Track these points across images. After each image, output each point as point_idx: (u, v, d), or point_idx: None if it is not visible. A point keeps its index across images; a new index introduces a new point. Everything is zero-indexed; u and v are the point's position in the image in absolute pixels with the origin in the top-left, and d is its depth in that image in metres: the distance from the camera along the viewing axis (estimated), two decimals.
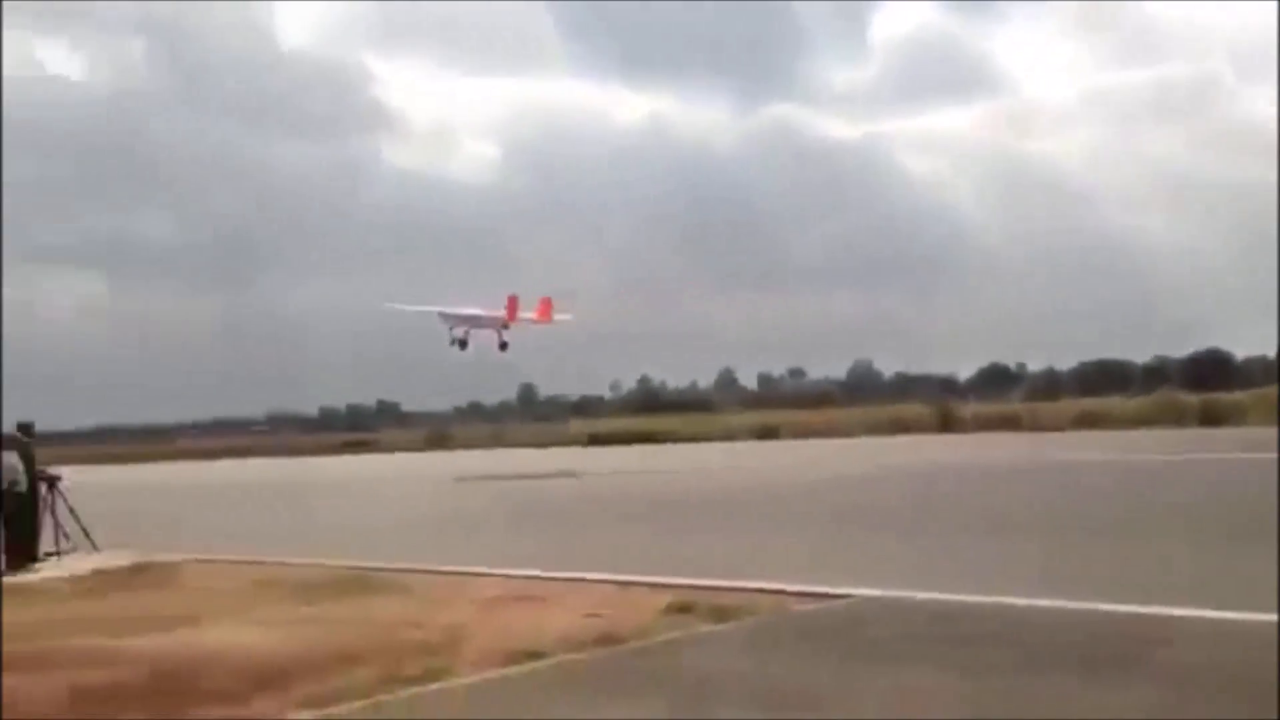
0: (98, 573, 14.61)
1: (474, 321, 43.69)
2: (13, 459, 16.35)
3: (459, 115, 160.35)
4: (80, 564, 15.70)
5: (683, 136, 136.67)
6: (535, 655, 8.57)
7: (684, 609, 10.06)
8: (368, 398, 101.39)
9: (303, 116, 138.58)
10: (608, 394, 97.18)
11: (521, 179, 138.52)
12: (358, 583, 12.62)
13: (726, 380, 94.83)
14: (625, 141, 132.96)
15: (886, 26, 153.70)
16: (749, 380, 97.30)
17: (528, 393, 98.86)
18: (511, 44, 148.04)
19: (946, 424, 62.71)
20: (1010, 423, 60.68)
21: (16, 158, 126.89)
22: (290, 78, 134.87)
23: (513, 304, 43.12)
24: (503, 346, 43.86)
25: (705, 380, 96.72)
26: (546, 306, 43.58)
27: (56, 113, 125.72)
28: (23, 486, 16.27)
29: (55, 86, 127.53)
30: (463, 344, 43.93)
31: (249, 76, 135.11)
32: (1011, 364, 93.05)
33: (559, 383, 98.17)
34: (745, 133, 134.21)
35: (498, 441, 62.01)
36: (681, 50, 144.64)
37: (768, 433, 62.39)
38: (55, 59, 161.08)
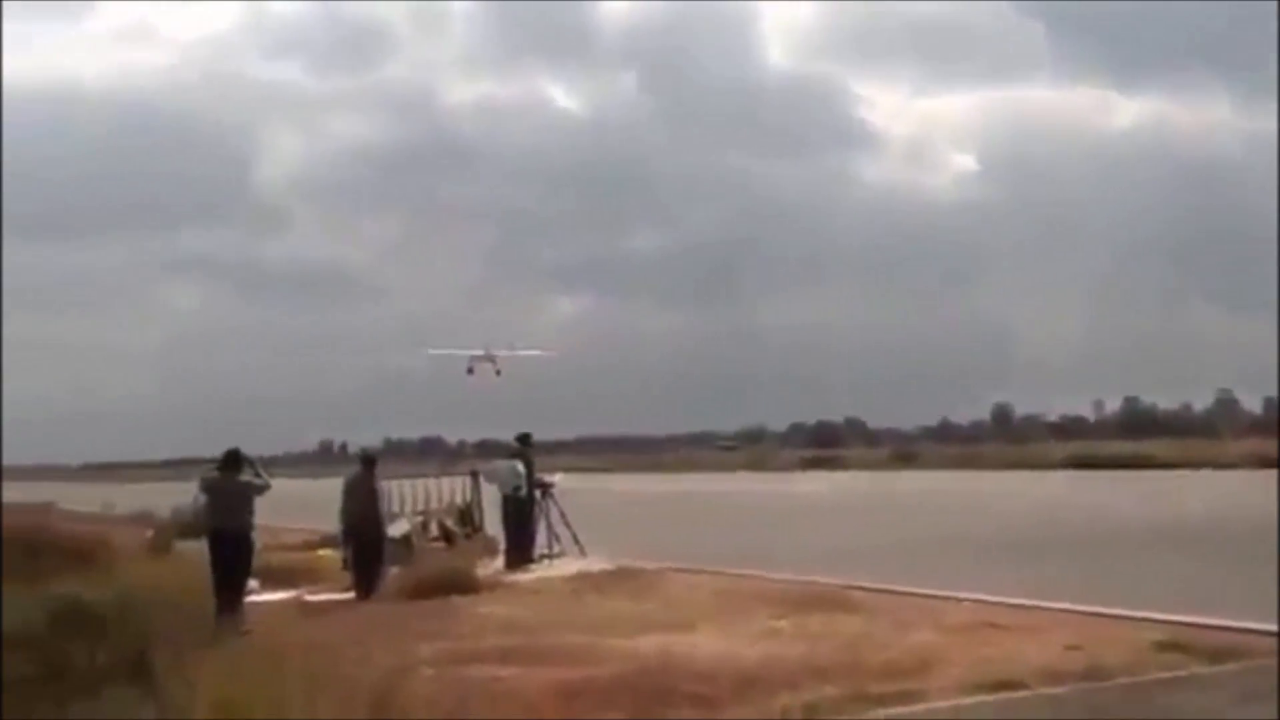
0: (584, 576, 15.52)
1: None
2: (516, 466, 17.77)
3: (937, 128, 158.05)
4: (569, 567, 16.76)
5: (1178, 142, 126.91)
6: (1011, 685, 8.12)
7: (1175, 646, 9.18)
8: (835, 414, 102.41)
9: (785, 135, 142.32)
10: (1090, 414, 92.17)
11: (1001, 191, 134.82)
12: (829, 600, 12.56)
13: (1226, 402, 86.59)
14: (1113, 149, 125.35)
15: None
16: (1252, 404, 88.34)
17: (1002, 412, 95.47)
18: (994, 51, 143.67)
19: None
20: None
21: (523, 186, 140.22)
22: (773, 97, 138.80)
23: None
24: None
25: (1202, 402, 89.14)
26: None
27: (558, 141, 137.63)
28: (524, 492, 17.64)
29: (559, 119, 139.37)
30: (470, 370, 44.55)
31: (734, 98, 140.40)
32: None
33: (1037, 401, 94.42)
34: (1251, 136, 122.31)
35: (968, 463, 60.00)
36: (1180, 50, 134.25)
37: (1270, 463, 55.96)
38: (558, 94, 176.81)
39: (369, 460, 16.41)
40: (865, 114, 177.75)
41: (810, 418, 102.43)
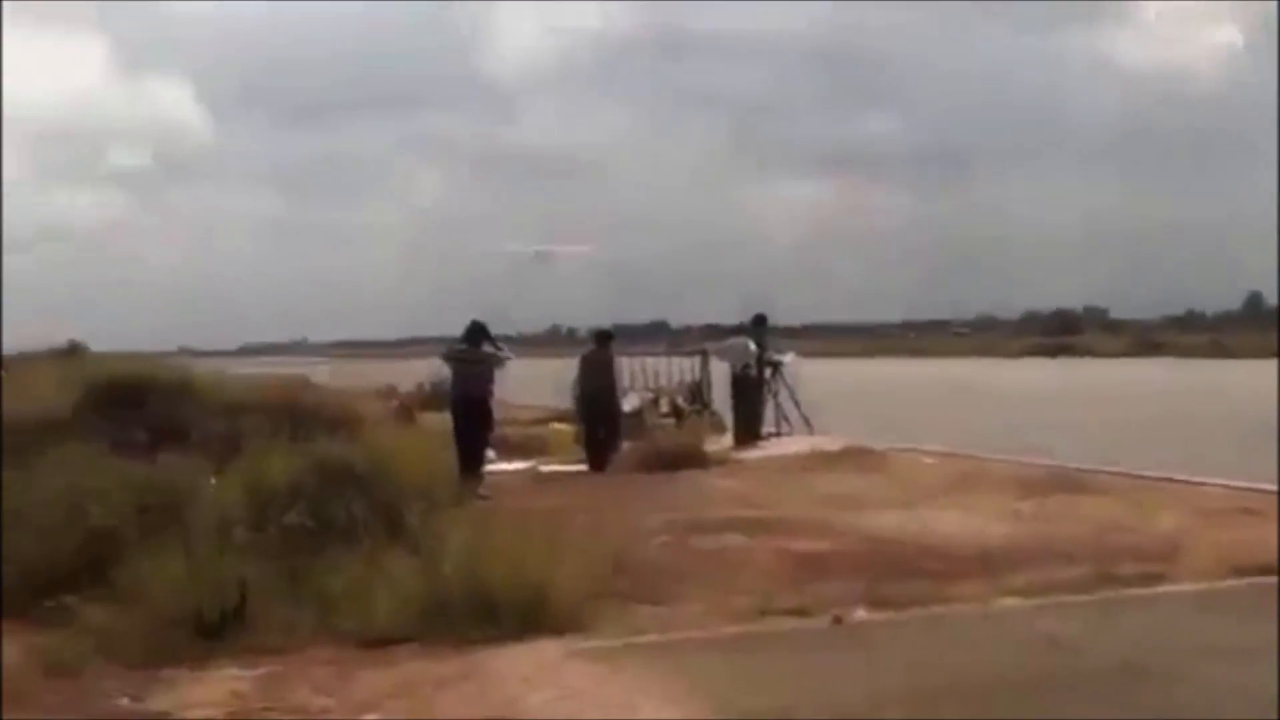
0: (813, 453, 15.46)
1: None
2: (748, 344, 17.80)
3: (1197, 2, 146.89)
4: (798, 445, 16.74)
5: None
6: (1267, 570, 7.72)
7: None
8: (1075, 302, 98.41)
9: (1032, 11, 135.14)
10: None
11: (1264, 69, 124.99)
12: (1067, 482, 12.20)
13: None
14: None
15: None
16: None
17: (1254, 300, 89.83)
18: None
19: None
20: None
21: (752, 70, 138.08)
22: None
23: None
24: None
25: None
26: None
27: (791, 25, 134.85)
28: (753, 370, 17.68)
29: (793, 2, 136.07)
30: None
31: None
32: None
33: None
34: None
35: (1217, 351, 56.81)
36: None
37: None
38: None
39: (604, 336, 16.66)
40: None
41: (1048, 305, 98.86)
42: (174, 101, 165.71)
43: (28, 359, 23.22)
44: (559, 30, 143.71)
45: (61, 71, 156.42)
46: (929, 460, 15.26)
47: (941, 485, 12.72)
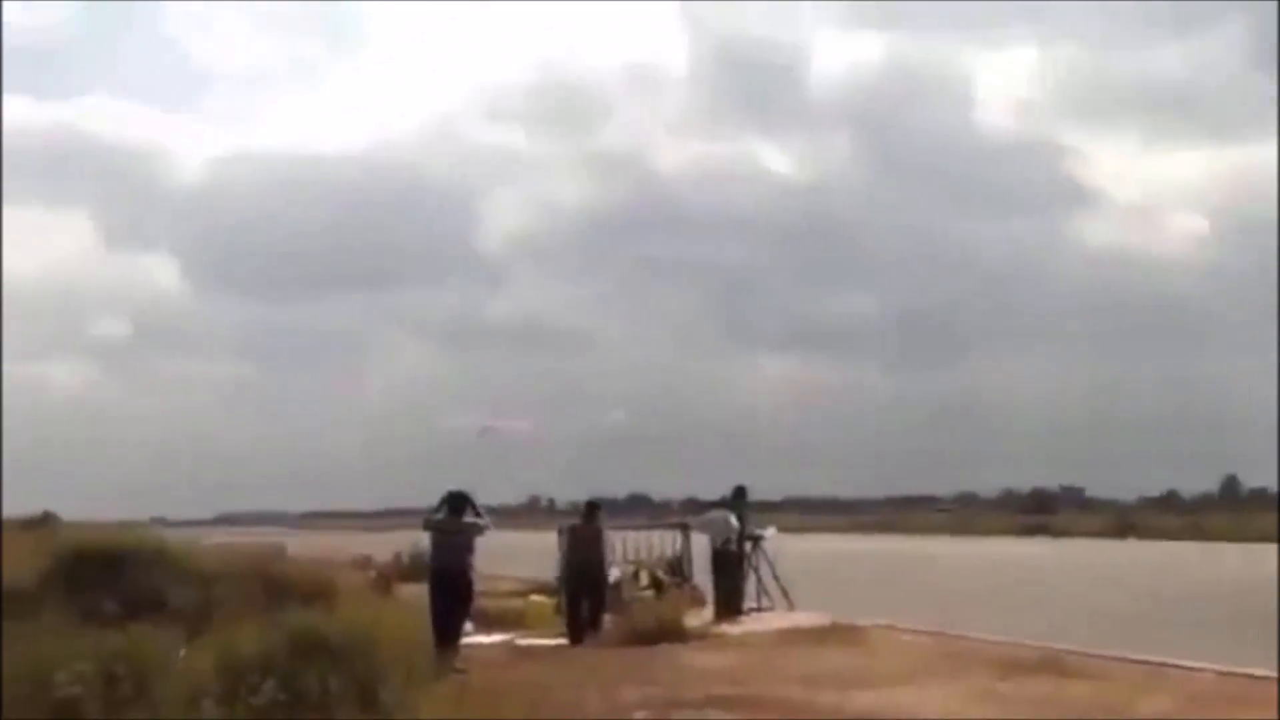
0: (794, 629, 15.33)
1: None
2: (729, 518, 17.78)
3: (1163, 187, 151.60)
4: (778, 620, 16.59)
5: None
6: None
7: None
8: (1050, 481, 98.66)
9: (1002, 195, 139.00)
10: None
11: (1232, 253, 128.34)
12: (1052, 663, 12.06)
13: None
14: None
15: None
16: None
17: (1230, 483, 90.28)
18: (1222, 111, 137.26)
19: None
20: None
21: (732, 246, 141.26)
22: (990, 157, 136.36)
23: None
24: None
25: None
26: None
27: (769, 202, 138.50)
28: (734, 544, 17.63)
29: (770, 180, 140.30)
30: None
31: (949, 158, 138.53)
32: None
33: (1267, 474, 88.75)
34: None
35: (1196, 534, 56.77)
36: None
37: None
38: (770, 155, 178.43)
39: (592, 508, 16.65)
40: (1087, 173, 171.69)
41: (1024, 484, 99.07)
42: (156, 274, 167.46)
43: (2, 527, 23.02)
44: (542, 204, 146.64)
45: (48, 244, 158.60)
46: (909, 637, 15.11)
47: (922, 663, 12.59)
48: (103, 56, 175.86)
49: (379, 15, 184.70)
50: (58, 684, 7.89)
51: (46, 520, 26.48)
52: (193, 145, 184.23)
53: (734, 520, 17.77)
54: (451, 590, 13.23)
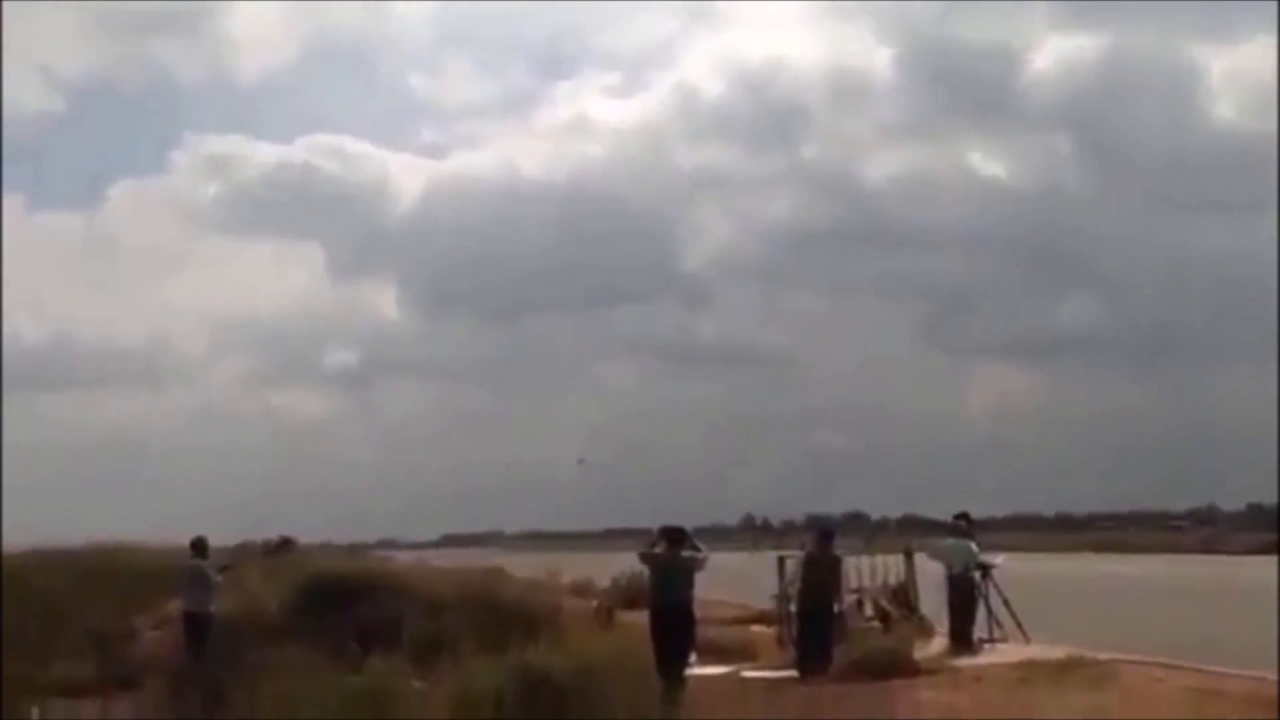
0: (1031, 663, 14.57)
1: None
2: (970, 545, 17.07)
3: None
4: (1014, 653, 15.83)
5: None
6: None
7: None
8: None
9: (1234, 197, 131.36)
10: None
11: None
12: None
13: None
14: None
15: None
16: None
17: None
18: None
19: None
20: None
21: (948, 258, 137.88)
22: (1218, 155, 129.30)
23: None
24: None
25: None
26: None
27: (985, 211, 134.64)
28: (973, 573, 16.91)
29: (985, 187, 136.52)
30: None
31: (1175, 158, 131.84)
32: None
33: None
34: None
35: None
36: None
37: None
38: (983, 161, 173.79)
39: (827, 533, 16.10)
40: None
41: (1268, 498, 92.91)
42: (380, 303, 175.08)
43: (245, 550, 24.21)
44: (751, 223, 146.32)
45: (281, 277, 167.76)
46: (1160, 673, 14.14)
47: (1179, 703, 11.74)
48: (325, 96, 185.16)
49: (580, 47, 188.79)
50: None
51: (285, 545, 27.65)
52: (407, 177, 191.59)
53: (974, 547, 17.05)
54: (674, 626, 12.98)
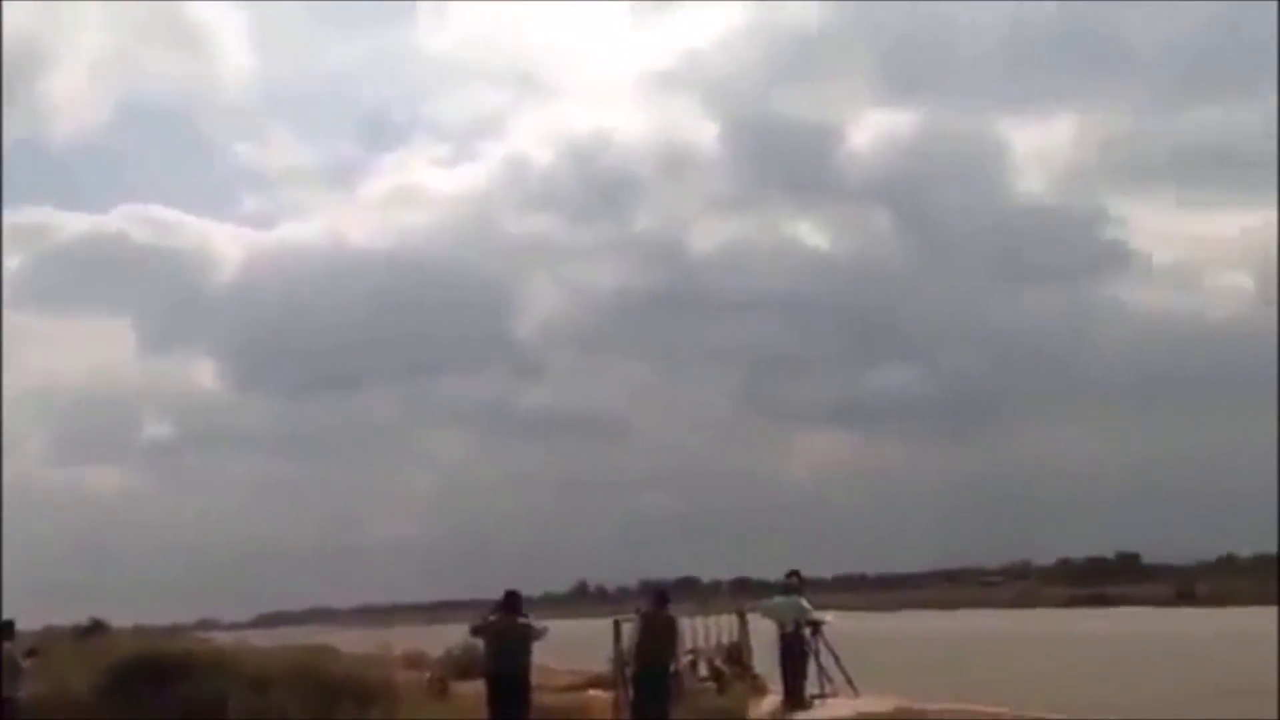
0: (861, 717, 14.90)
1: None
2: (800, 602, 17.32)
3: (1205, 249, 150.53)
4: (843, 707, 16.12)
5: None
6: None
7: None
8: (1104, 549, 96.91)
9: (1043, 264, 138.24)
10: None
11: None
12: None
13: None
14: None
15: None
16: None
17: None
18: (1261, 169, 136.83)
19: None
20: None
21: (770, 324, 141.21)
22: (1027, 226, 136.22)
23: None
24: None
25: None
26: None
27: (807, 280, 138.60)
28: (803, 629, 17.15)
29: (807, 257, 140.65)
30: None
31: (986, 230, 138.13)
32: None
33: None
34: None
35: (1254, 599, 55.33)
36: None
37: None
38: (806, 233, 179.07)
39: (663, 596, 16.11)
40: (1123, 237, 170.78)
41: (1077, 553, 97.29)
42: (196, 374, 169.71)
43: (53, 634, 22.98)
44: (580, 291, 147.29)
45: (91, 350, 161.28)
46: None
47: None
48: (141, 163, 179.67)
49: (410, 113, 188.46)
50: None
51: (97, 628, 26.40)
52: (228, 246, 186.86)
53: (805, 603, 17.34)
54: (510, 693, 12.86)
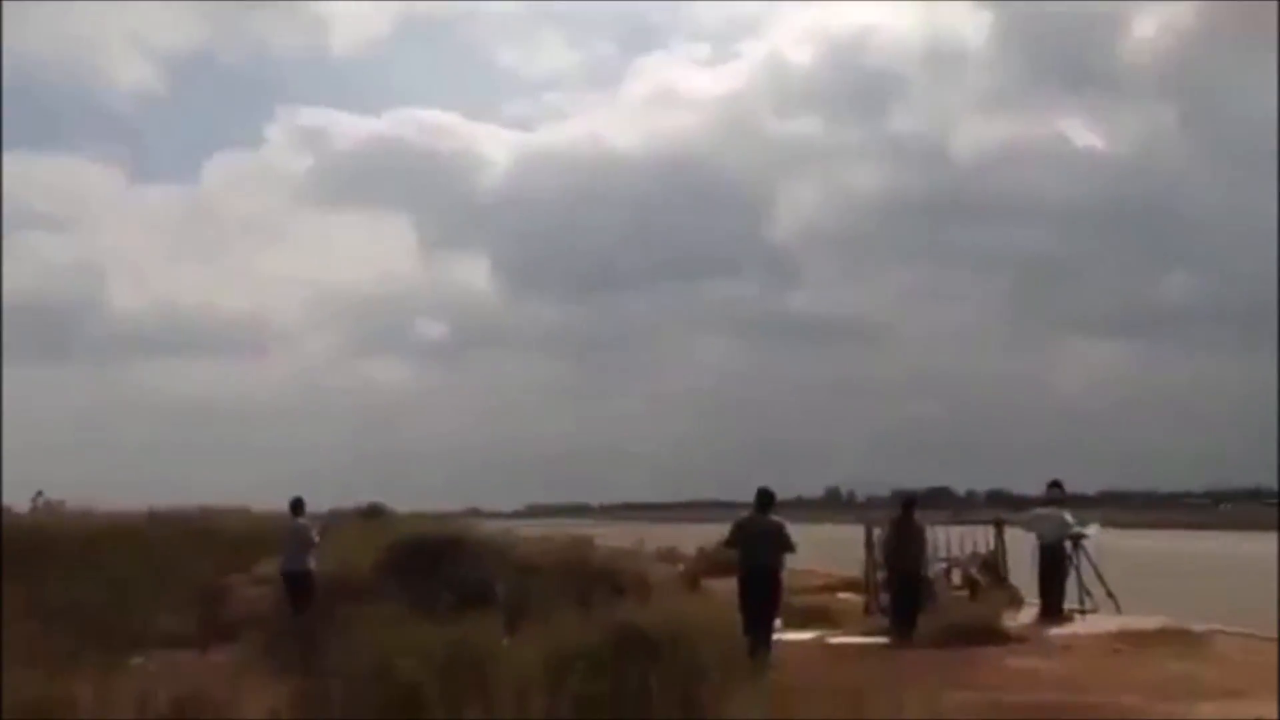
0: (1123, 633, 14.41)
1: None
2: (1064, 515, 16.88)
3: None
4: (1105, 623, 15.64)
5: None
6: None
7: None
8: None
9: None
10: None
11: None
12: None
13: None
14: None
15: None
16: None
17: None
18: None
19: None
20: None
21: (1044, 230, 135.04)
22: None
23: None
24: None
25: None
26: None
27: (1081, 182, 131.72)
28: (1066, 543, 16.71)
29: (1081, 158, 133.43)
30: None
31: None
32: None
33: None
34: None
35: None
36: None
37: None
38: (1080, 132, 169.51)
39: (910, 502, 16.22)
40: None
41: None
42: (471, 275, 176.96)
43: (338, 517, 24.73)
44: (841, 194, 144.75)
45: (372, 250, 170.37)
46: (1257, 644, 13.87)
47: (1270, 673, 11.51)
48: (415, 69, 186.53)
49: (669, 14, 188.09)
50: (399, 671, 8.30)
51: (375, 512, 28.14)
52: (496, 149, 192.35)
53: (1068, 516, 16.87)
54: (764, 589, 13.05)
